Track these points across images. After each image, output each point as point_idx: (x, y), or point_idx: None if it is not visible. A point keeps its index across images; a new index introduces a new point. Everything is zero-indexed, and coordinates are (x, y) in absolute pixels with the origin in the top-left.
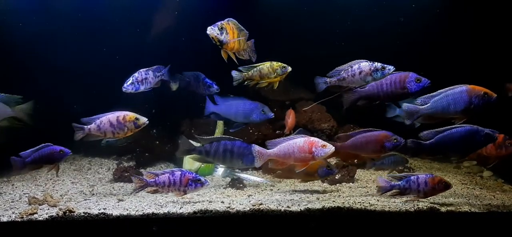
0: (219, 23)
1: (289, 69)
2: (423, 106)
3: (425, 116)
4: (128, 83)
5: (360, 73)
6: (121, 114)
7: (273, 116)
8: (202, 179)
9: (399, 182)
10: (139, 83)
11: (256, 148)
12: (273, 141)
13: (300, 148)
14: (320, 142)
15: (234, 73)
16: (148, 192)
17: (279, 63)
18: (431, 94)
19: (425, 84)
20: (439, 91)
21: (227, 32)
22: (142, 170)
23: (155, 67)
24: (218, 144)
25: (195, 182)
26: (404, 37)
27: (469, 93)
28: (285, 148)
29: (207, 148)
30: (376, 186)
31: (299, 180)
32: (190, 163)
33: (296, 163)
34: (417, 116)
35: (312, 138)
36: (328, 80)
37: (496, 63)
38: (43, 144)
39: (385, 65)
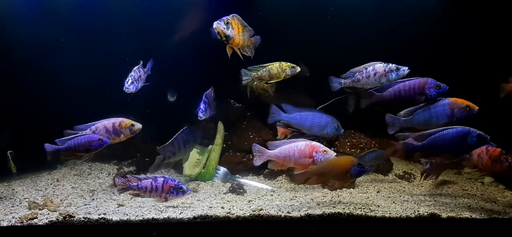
0: (225, 18)
1: (299, 69)
2: (405, 118)
3: (407, 128)
4: (129, 83)
5: (374, 74)
6: (117, 120)
7: (344, 132)
8: (184, 187)
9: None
10: (137, 81)
11: (257, 147)
12: (274, 143)
13: (301, 152)
14: (322, 147)
15: (243, 73)
16: (130, 195)
17: (288, 63)
18: (415, 107)
19: (444, 90)
20: (421, 104)
21: (232, 27)
22: (142, 175)
23: (141, 63)
24: (177, 140)
25: (176, 190)
26: (404, 38)
27: (451, 106)
28: (286, 150)
29: (173, 150)
30: None
31: (334, 185)
32: (190, 168)
33: (296, 166)
34: (399, 127)
35: (314, 143)
36: (342, 81)
37: (496, 63)
38: (80, 133)
39: (400, 66)
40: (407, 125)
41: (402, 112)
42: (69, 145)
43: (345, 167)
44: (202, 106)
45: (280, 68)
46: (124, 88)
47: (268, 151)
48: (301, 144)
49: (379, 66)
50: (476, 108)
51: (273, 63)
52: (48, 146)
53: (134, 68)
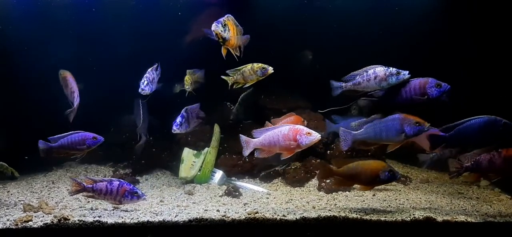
0: (221, 19)
1: (270, 70)
2: (356, 132)
3: (359, 141)
4: (144, 85)
5: (375, 78)
6: (73, 83)
7: None
8: (139, 192)
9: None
10: (151, 83)
11: (244, 137)
12: (259, 130)
13: (285, 136)
14: (305, 129)
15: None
16: (84, 196)
17: (260, 65)
18: (366, 119)
19: (445, 89)
20: (373, 116)
21: (229, 29)
22: (137, 177)
23: (155, 66)
24: (142, 129)
25: (131, 194)
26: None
27: (401, 121)
28: (270, 136)
29: (147, 127)
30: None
31: (361, 189)
32: (186, 171)
33: (281, 151)
34: (351, 140)
35: (297, 126)
36: (343, 84)
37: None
38: (75, 131)
39: (400, 70)
40: (358, 138)
41: (353, 124)
42: (61, 142)
43: (376, 172)
44: (178, 119)
45: (252, 70)
46: (139, 90)
47: (253, 140)
48: (284, 129)
49: (380, 70)
50: (427, 124)
51: (246, 65)
52: (41, 143)
53: (149, 70)
